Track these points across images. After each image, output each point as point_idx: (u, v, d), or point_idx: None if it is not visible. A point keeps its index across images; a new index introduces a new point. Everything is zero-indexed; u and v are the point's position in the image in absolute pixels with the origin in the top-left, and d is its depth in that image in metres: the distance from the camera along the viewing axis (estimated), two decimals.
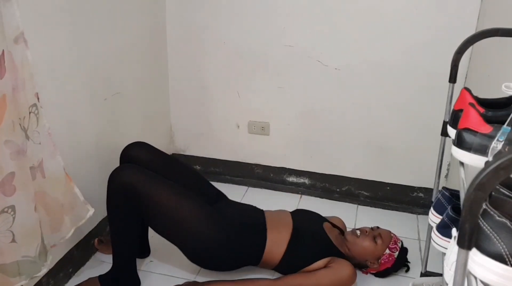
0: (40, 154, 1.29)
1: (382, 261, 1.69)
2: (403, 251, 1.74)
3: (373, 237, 1.69)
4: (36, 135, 1.27)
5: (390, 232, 1.75)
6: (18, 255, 1.23)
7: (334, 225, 1.81)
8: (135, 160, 1.64)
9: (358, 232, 1.72)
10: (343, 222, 1.91)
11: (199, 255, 1.59)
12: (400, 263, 1.74)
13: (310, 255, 1.64)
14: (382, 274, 1.75)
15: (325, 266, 1.62)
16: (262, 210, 1.77)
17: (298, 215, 1.78)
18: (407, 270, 1.79)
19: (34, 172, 1.28)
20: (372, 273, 1.76)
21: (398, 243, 1.72)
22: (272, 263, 1.66)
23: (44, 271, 1.32)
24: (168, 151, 2.50)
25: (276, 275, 1.71)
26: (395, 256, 1.69)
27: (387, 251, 1.68)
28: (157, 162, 1.67)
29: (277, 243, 1.64)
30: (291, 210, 1.84)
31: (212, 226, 1.55)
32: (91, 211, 1.54)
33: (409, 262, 1.79)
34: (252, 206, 1.80)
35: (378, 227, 1.76)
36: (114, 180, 1.49)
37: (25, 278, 1.26)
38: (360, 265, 1.74)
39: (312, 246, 1.66)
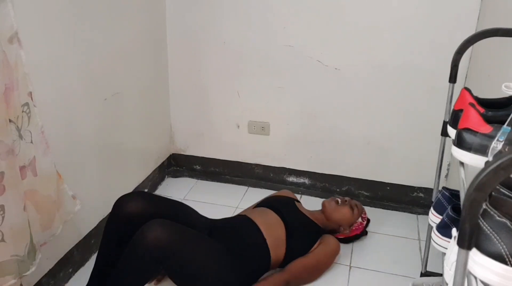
0: (32, 153, 1.29)
1: (354, 228, 1.92)
2: (369, 221, 2.01)
3: (350, 206, 1.90)
4: (28, 134, 1.27)
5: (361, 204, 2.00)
6: (7, 255, 1.23)
7: (297, 201, 1.98)
8: (129, 216, 1.52)
9: (339, 200, 1.91)
10: (291, 192, 2.10)
11: None
12: (364, 231, 1.98)
13: (307, 242, 1.77)
14: (351, 239, 1.94)
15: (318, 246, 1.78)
16: (250, 219, 1.73)
17: (277, 207, 1.82)
18: (366, 234, 2.00)
19: (25, 171, 1.28)
20: (340, 238, 1.90)
21: (366, 214, 1.98)
22: (278, 263, 1.71)
23: (32, 269, 1.32)
24: (168, 151, 2.50)
25: None
26: (364, 225, 1.96)
27: (360, 219, 1.93)
28: (151, 211, 1.54)
29: (277, 244, 1.70)
30: (257, 202, 1.96)
31: (231, 273, 1.54)
32: (79, 206, 1.53)
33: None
34: (239, 217, 1.79)
35: (351, 198, 1.97)
36: (144, 241, 1.36)
37: (14, 277, 1.26)
38: (332, 231, 1.91)
39: (305, 233, 1.78)
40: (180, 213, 1.65)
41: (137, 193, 1.63)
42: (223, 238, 1.63)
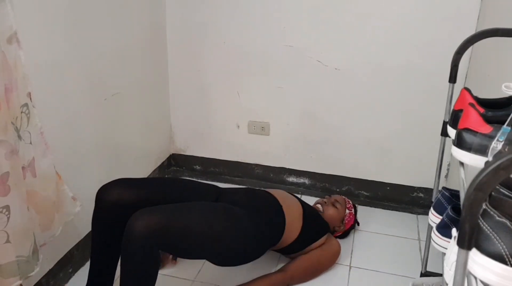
0: (31, 153, 1.29)
1: (346, 221, 1.92)
2: (356, 207, 2.00)
3: (332, 204, 1.90)
4: (27, 135, 1.27)
5: (341, 195, 2.01)
6: (13, 256, 1.23)
7: None
8: (112, 205, 1.47)
9: (319, 206, 1.90)
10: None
11: (232, 258, 1.53)
12: (356, 219, 1.98)
13: (320, 229, 1.78)
14: (347, 233, 1.97)
15: (320, 245, 1.77)
16: (265, 190, 1.75)
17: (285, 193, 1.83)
18: (358, 224, 2.02)
19: (24, 172, 1.28)
20: (338, 236, 1.93)
21: (350, 202, 1.97)
22: (288, 240, 1.67)
23: (37, 270, 1.31)
24: (168, 151, 2.50)
25: (282, 259, 1.80)
26: (354, 214, 1.96)
27: (347, 211, 1.92)
28: (134, 196, 1.49)
29: (293, 217, 1.68)
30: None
31: (240, 226, 1.48)
32: (79, 207, 1.53)
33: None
34: (250, 188, 1.78)
35: (330, 195, 1.98)
36: (135, 232, 1.28)
37: (19, 278, 1.26)
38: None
39: (319, 219, 1.80)
40: (168, 189, 1.56)
41: (116, 181, 1.52)
42: (233, 198, 1.59)
